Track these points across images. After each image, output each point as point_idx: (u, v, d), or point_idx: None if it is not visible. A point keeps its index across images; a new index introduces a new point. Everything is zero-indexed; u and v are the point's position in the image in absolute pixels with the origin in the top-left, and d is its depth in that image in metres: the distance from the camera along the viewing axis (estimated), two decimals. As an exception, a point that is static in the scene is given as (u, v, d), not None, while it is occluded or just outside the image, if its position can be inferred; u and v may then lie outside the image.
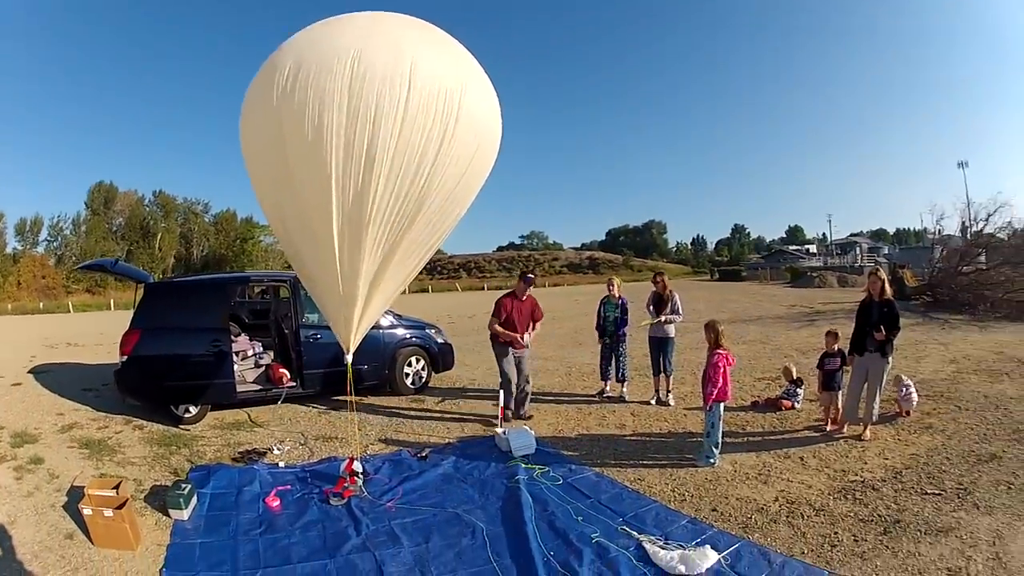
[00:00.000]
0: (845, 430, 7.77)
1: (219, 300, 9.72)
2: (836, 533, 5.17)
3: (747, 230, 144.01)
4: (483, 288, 67.49)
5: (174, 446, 7.76)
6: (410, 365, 10.73)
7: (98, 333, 21.26)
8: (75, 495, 5.85)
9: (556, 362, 13.77)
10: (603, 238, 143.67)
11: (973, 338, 15.42)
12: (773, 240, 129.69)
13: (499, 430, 7.80)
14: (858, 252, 74.99)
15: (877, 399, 7.56)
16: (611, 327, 9.99)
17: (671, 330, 9.65)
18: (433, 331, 11.37)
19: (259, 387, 9.81)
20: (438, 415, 9.41)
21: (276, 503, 5.96)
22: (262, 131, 5.60)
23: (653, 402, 9.67)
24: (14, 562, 4.84)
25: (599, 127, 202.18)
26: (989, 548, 4.76)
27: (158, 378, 8.59)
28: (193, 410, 8.81)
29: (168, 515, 5.69)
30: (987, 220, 25.85)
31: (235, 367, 9.38)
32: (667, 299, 9.65)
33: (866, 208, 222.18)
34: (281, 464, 7.16)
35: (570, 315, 21.95)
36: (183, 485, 5.92)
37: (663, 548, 4.90)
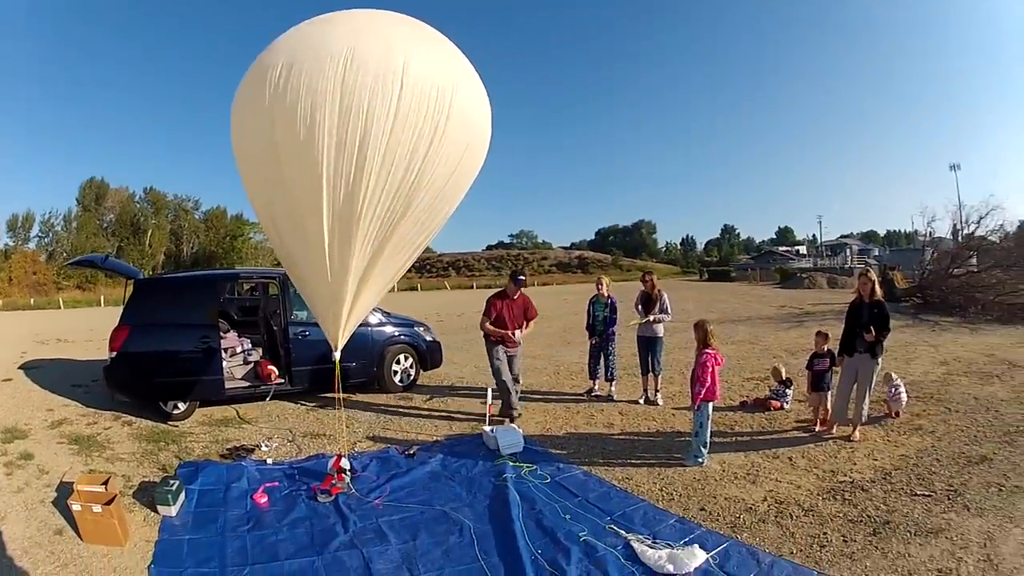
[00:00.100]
0: (834, 431, 7.79)
1: (208, 297, 9.70)
2: (825, 533, 5.18)
3: (737, 231, 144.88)
4: (472, 287, 67.59)
5: (163, 442, 7.75)
6: (398, 363, 10.73)
7: (88, 329, 21.19)
8: (64, 491, 5.84)
9: (544, 361, 13.76)
10: (592, 237, 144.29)
11: (963, 340, 15.46)
12: (763, 241, 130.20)
13: (487, 428, 7.80)
14: (848, 254, 75.21)
15: (867, 400, 7.59)
16: (600, 326, 9.99)
17: (660, 329, 9.67)
18: (421, 329, 11.36)
19: (247, 384, 9.79)
20: (426, 413, 9.41)
21: (264, 500, 5.96)
22: (253, 130, 5.58)
23: (641, 401, 9.68)
24: (4, 557, 4.84)
25: (590, 127, 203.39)
26: (980, 550, 4.77)
27: (147, 374, 8.56)
28: (182, 406, 8.80)
29: (156, 511, 5.69)
30: (979, 223, 25.94)
31: (224, 364, 9.35)
32: (655, 298, 9.66)
33: (856, 210, 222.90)
34: (269, 461, 7.15)
35: (559, 314, 21.96)
36: (171, 481, 5.91)
37: (651, 547, 4.91)
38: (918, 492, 5.92)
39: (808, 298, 32.57)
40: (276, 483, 6.40)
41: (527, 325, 8.92)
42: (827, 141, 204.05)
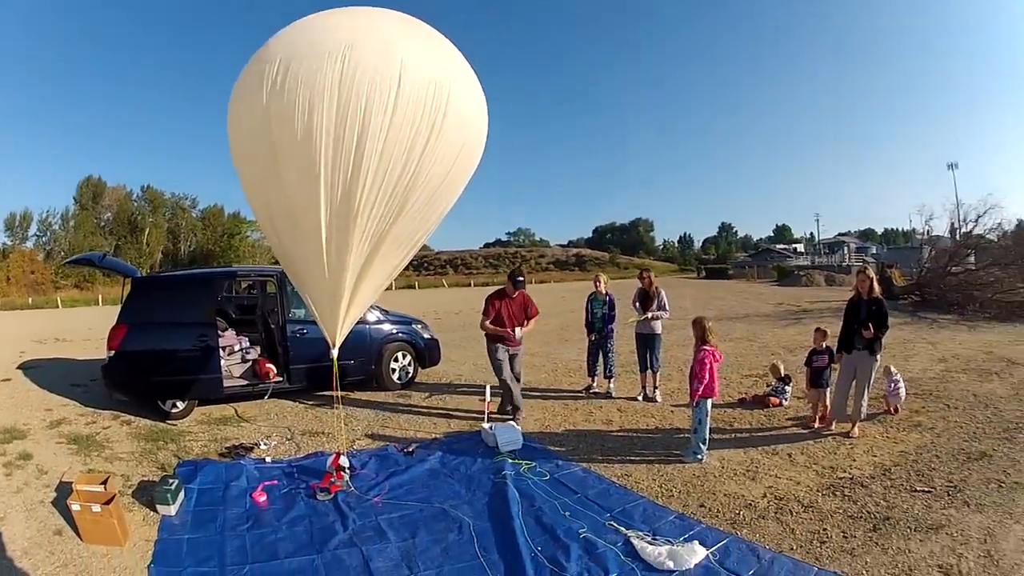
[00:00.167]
0: (833, 427, 7.80)
1: (206, 295, 9.68)
2: (825, 529, 5.19)
3: (734, 228, 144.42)
4: (470, 284, 67.41)
5: (161, 441, 7.74)
6: (396, 360, 10.73)
7: (86, 328, 21.13)
8: (64, 491, 5.83)
9: (543, 358, 13.74)
10: (590, 235, 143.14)
11: (962, 337, 15.51)
12: (760, 239, 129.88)
13: (485, 425, 7.80)
14: (846, 252, 75.40)
15: (865, 397, 7.60)
16: (599, 323, 10.00)
17: (658, 326, 9.67)
18: (419, 326, 11.36)
19: (246, 382, 9.78)
20: (424, 410, 9.40)
21: (263, 498, 5.95)
22: (251, 129, 5.56)
23: (640, 398, 9.71)
24: (4, 558, 4.83)
25: (588, 124, 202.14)
26: (980, 546, 4.77)
27: (145, 373, 8.55)
28: (180, 405, 8.79)
29: (156, 511, 5.68)
30: (976, 221, 25.95)
31: (222, 362, 9.35)
32: (653, 296, 9.66)
33: (854, 208, 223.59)
34: (268, 459, 7.15)
35: (557, 312, 21.97)
36: (170, 480, 5.90)
37: (651, 544, 4.92)
38: (918, 488, 5.93)
39: (806, 296, 32.62)
40: (275, 481, 6.39)
41: (528, 323, 8.87)
42: (825, 139, 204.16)
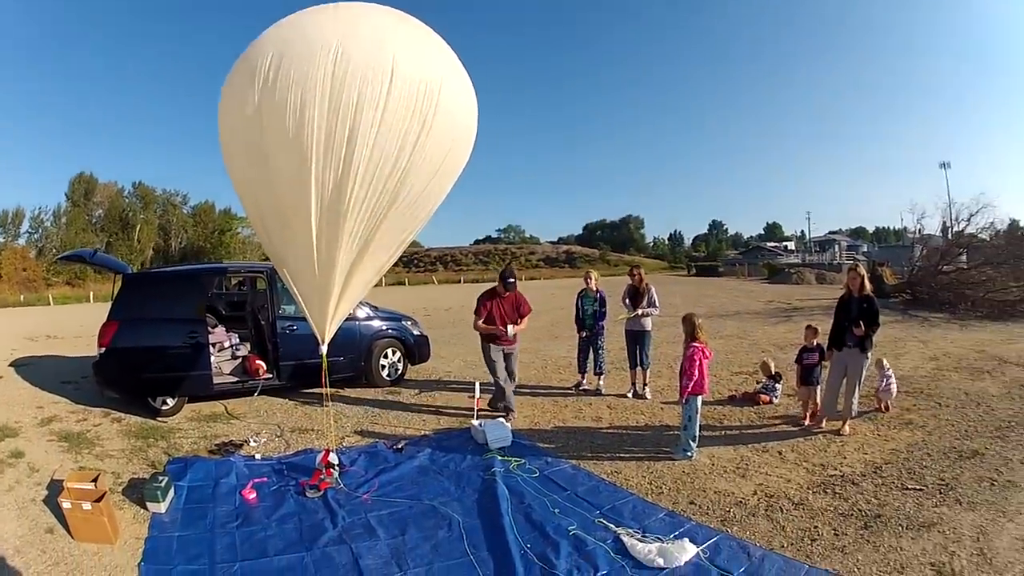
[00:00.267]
0: (823, 425, 7.82)
1: (196, 291, 9.67)
2: (816, 527, 5.19)
3: (725, 226, 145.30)
4: (459, 281, 67.40)
5: (151, 438, 7.72)
6: (386, 357, 10.71)
7: (78, 325, 21.04)
8: (55, 489, 5.83)
9: (532, 355, 13.71)
10: (580, 232, 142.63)
11: (953, 336, 15.50)
12: (751, 237, 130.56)
13: (475, 422, 7.80)
14: (837, 250, 75.71)
15: (856, 394, 7.61)
16: (589, 320, 10.00)
17: (648, 323, 9.70)
18: (409, 323, 11.34)
19: (236, 379, 9.77)
20: (414, 407, 9.41)
21: (252, 495, 5.96)
22: (243, 124, 5.56)
23: (630, 395, 9.72)
24: (-3, 558, 4.82)
25: (576, 121, 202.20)
26: (973, 544, 4.78)
27: (136, 370, 8.53)
28: (170, 402, 8.77)
29: (146, 508, 5.68)
30: (969, 220, 25.98)
31: (212, 359, 9.34)
32: (643, 292, 9.67)
33: (846, 206, 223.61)
34: (257, 456, 7.14)
35: (547, 308, 21.91)
36: (160, 478, 5.90)
37: (641, 541, 4.92)
38: (909, 486, 5.93)
39: (796, 294, 32.58)
40: (264, 479, 6.38)
41: (520, 322, 8.84)
42: (816, 137, 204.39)
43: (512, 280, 8.72)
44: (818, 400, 8.09)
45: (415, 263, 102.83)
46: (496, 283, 8.77)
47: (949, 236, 27.61)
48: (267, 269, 9.77)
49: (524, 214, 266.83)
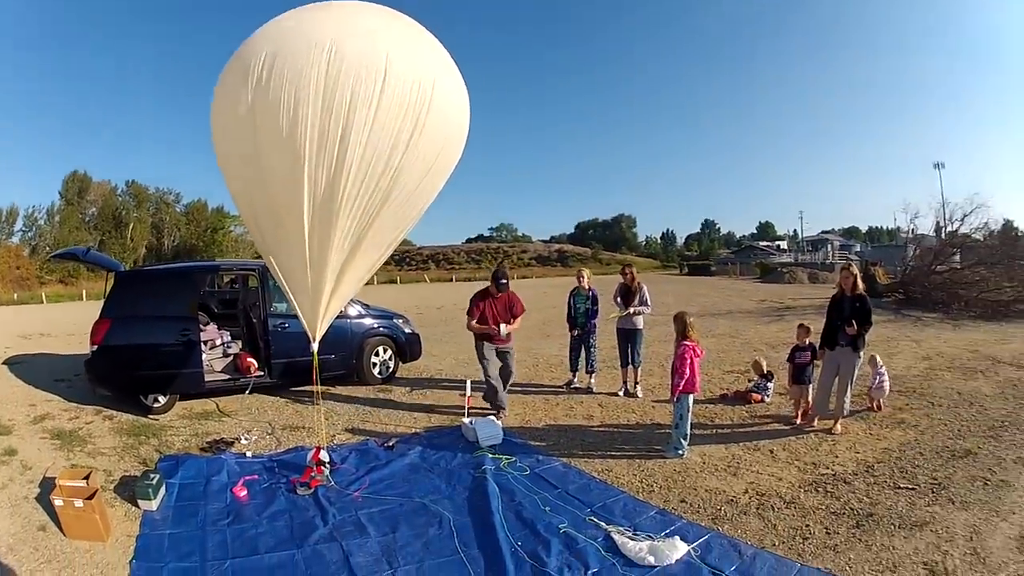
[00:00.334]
0: (815, 424, 7.84)
1: (188, 289, 9.69)
2: (807, 526, 5.20)
3: (717, 225, 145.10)
4: (451, 279, 67.40)
5: (143, 436, 7.71)
6: (377, 355, 10.70)
7: (70, 323, 20.95)
8: (47, 486, 5.80)
9: (524, 353, 13.59)
10: (572, 231, 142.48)
11: (946, 336, 15.54)
12: (743, 236, 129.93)
13: (466, 420, 7.79)
14: (829, 249, 75.74)
15: (848, 393, 7.62)
16: (581, 319, 10.03)
17: (639, 322, 9.72)
18: (400, 321, 11.34)
19: (227, 376, 9.77)
20: (405, 405, 9.41)
21: (243, 493, 5.95)
22: (236, 125, 5.56)
23: (621, 393, 9.73)
24: (-10, 555, 4.81)
25: (570, 119, 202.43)
26: (966, 543, 4.78)
27: (128, 367, 8.51)
28: (162, 400, 8.75)
29: (137, 506, 5.66)
30: (962, 220, 26.03)
31: (203, 356, 9.32)
32: (635, 291, 9.69)
33: (839, 206, 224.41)
34: (248, 454, 7.13)
35: (538, 307, 21.85)
36: (152, 475, 5.90)
37: (632, 539, 4.93)
38: (901, 485, 5.94)
39: (788, 293, 32.65)
40: (256, 476, 6.38)
41: (514, 321, 8.83)
42: (809, 136, 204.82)
43: (504, 281, 8.71)
44: (810, 399, 8.10)
45: (407, 261, 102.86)
46: (488, 283, 8.77)
47: (943, 236, 27.63)
48: (259, 267, 9.77)
49: (516, 213, 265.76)
